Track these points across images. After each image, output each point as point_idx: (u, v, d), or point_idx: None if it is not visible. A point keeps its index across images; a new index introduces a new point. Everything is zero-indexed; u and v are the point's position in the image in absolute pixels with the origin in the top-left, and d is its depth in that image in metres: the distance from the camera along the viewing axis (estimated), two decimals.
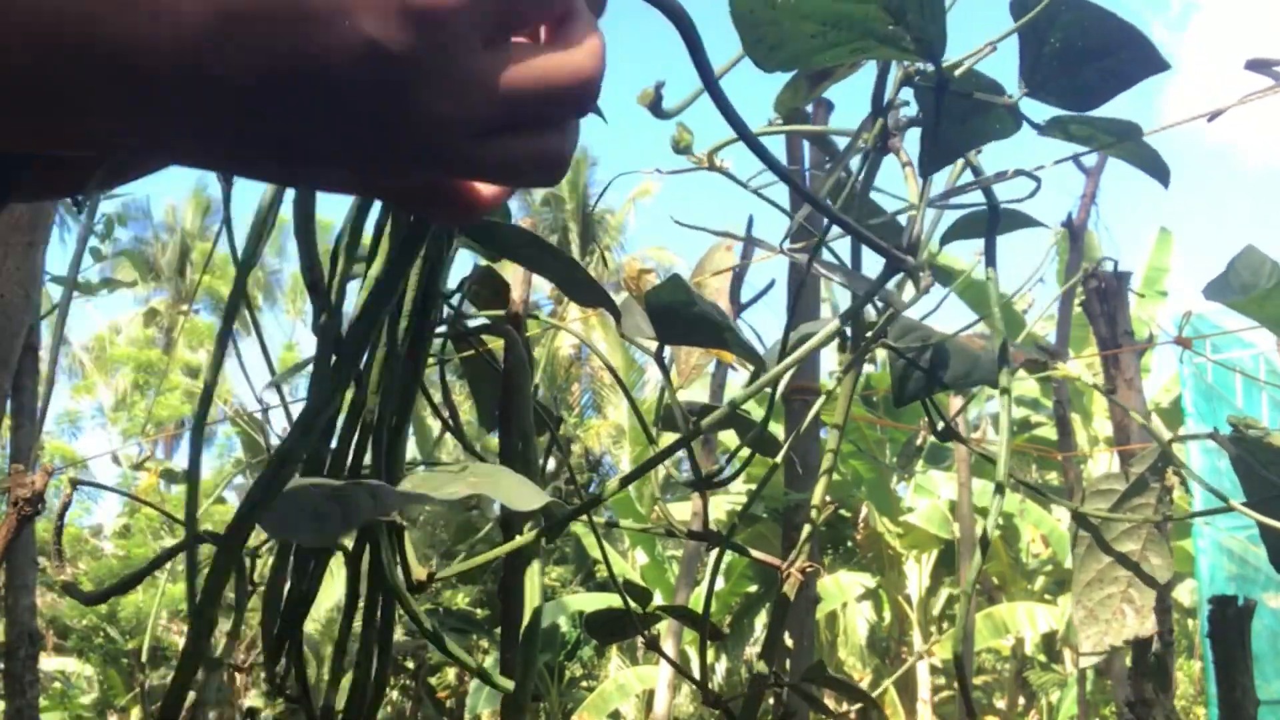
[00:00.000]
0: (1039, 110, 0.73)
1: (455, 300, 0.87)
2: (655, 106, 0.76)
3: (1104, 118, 0.71)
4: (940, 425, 0.92)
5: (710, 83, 0.45)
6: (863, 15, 0.60)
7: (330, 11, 0.35)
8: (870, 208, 0.86)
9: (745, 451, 0.97)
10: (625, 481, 0.72)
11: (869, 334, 0.84)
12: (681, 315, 0.78)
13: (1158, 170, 0.75)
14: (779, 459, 0.91)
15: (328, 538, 0.55)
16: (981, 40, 0.69)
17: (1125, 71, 0.66)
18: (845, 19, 0.60)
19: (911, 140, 0.80)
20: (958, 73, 0.67)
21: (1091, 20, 0.64)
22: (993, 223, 0.80)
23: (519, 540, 0.63)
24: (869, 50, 0.64)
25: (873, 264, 0.80)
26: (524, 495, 0.58)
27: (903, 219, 0.88)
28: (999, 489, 0.73)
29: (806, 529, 0.91)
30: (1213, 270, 1.04)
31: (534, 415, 0.87)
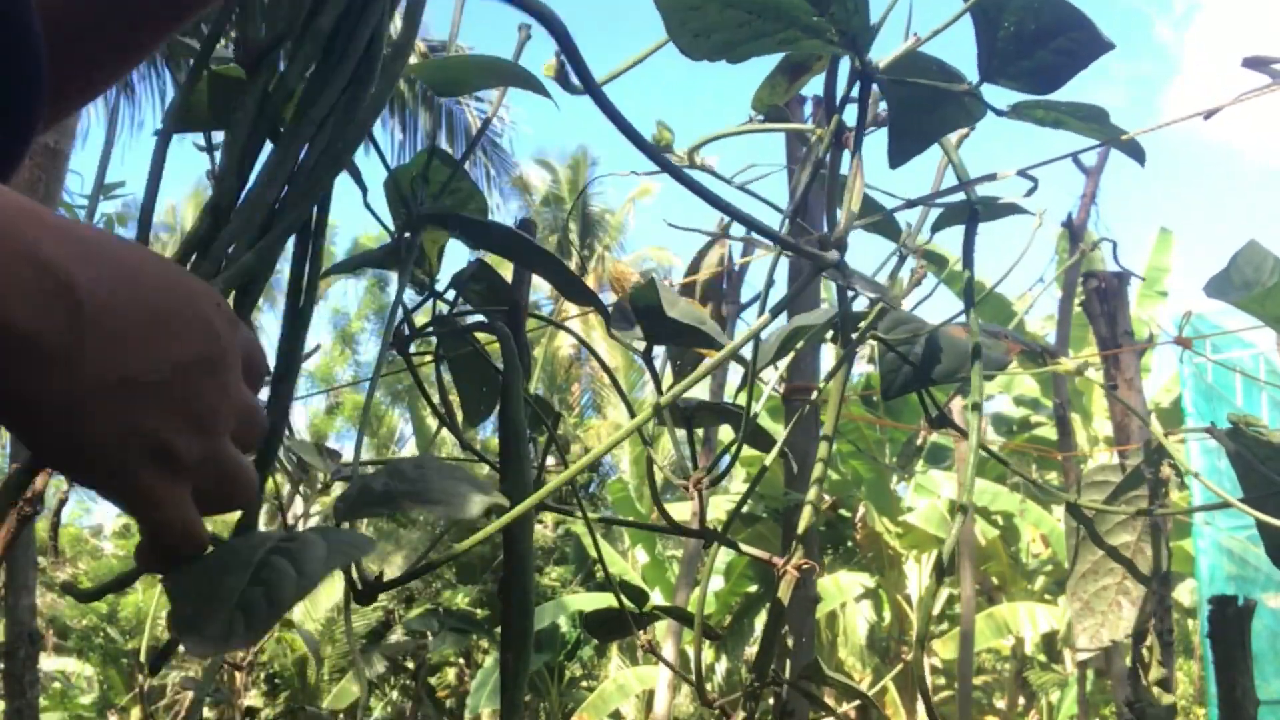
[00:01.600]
0: (1004, 99, 0.73)
1: (450, 295, 0.86)
2: (562, 79, 0.76)
3: (1071, 102, 0.72)
4: (935, 414, 0.92)
5: (587, 80, 0.45)
6: (788, 6, 0.61)
7: None
8: (866, 203, 0.86)
9: (745, 450, 0.97)
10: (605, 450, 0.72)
11: (860, 329, 0.85)
12: (665, 316, 0.79)
13: (1133, 151, 0.75)
14: (770, 459, 0.91)
15: (254, 635, 0.44)
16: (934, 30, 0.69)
17: (1077, 51, 0.67)
18: (771, 8, 0.60)
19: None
20: (883, 64, 0.68)
21: (1042, 3, 0.64)
22: (972, 220, 0.81)
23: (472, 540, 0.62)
24: (795, 41, 0.64)
25: (865, 261, 0.80)
26: (467, 502, 0.56)
27: (900, 216, 0.88)
28: (960, 509, 0.73)
29: (801, 527, 0.91)
30: (1214, 270, 1.04)
31: (532, 413, 0.87)
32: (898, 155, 0.73)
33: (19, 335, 0.40)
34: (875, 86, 0.75)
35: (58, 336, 0.41)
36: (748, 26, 0.62)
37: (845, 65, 0.76)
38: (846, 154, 0.88)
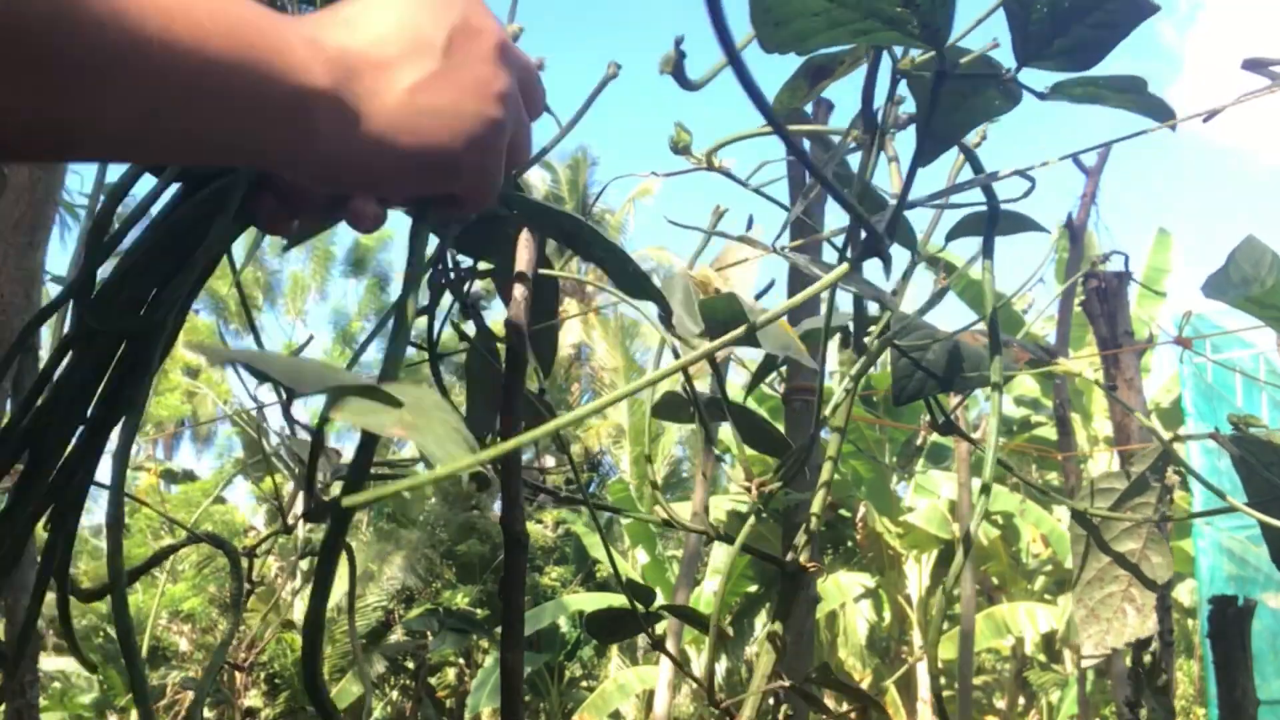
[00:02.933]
0: (1036, 84, 0.72)
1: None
2: (679, 74, 0.75)
3: (1106, 75, 0.70)
4: (941, 420, 0.92)
5: (732, 54, 0.44)
6: None
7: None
8: (875, 202, 0.86)
9: (746, 451, 0.97)
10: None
11: (871, 333, 0.84)
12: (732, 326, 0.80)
13: (1162, 114, 0.74)
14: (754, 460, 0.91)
15: None
16: (969, 21, 0.69)
17: (1116, 21, 0.66)
18: None
19: (907, 135, 0.80)
20: (964, 60, 0.67)
21: None
22: (991, 223, 0.80)
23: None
24: (872, 33, 0.63)
25: (872, 269, 0.80)
26: (451, 450, 0.52)
27: (909, 214, 0.88)
28: (985, 489, 0.73)
29: (807, 528, 0.91)
30: (1214, 270, 1.04)
31: (532, 411, 0.87)
32: (927, 154, 0.73)
33: (326, 95, 0.50)
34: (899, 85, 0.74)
35: (346, 86, 0.51)
36: (825, 15, 0.61)
37: (885, 64, 0.75)
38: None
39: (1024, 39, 0.67)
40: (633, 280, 0.75)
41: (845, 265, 0.63)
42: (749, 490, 0.86)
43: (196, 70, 0.45)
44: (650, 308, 0.82)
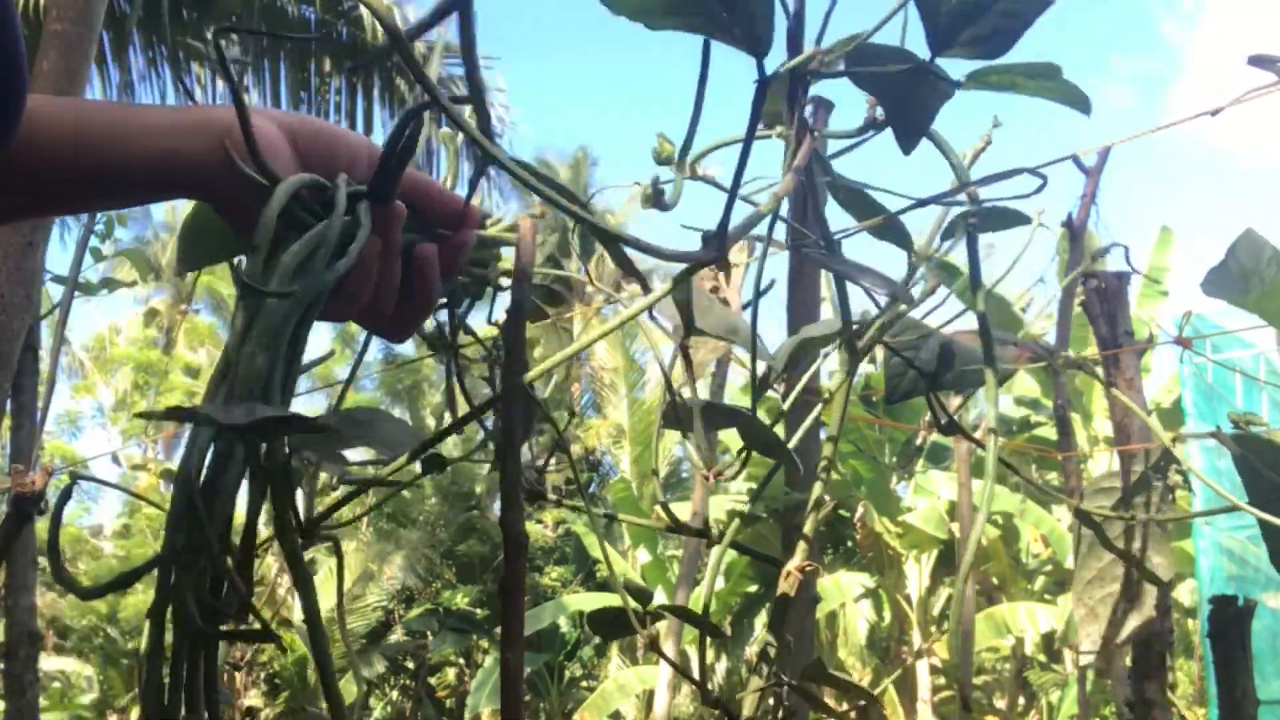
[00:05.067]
0: (959, 72, 0.74)
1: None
2: (658, 201, 0.79)
3: (1021, 63, 0.72)
4: (944, 420, 0.92)
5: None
6: None
7: None
8: (868, 205, 0.86)
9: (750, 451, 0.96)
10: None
11: (868, 335, 0.84)
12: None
13: (1079, 102, 0.76)
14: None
15: None
16: (883, 13, 0.71)
17: (1022, 10, 0.68)
18: None
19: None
20: (785, 67, 0.69)
21: None
22: (972, 241, 0.80)
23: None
24: (700, 29, 0.65)
25: (879, 262, 0.80)
26: (401, 439, 0.57)
27: (904, 217, 0.88)
28: (987, 501, 0.73)
29: (806, 529, 0.91)
30: (1213, 266, 1.04)
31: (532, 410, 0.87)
32: (903, 145, 0.74)
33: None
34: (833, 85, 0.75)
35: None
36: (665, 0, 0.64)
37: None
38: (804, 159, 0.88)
39: (934, 30, 0.69)
40: (627, 265, 0.77)
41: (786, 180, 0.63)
42: (706, 479, 0.86)
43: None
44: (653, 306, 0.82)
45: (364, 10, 8.23)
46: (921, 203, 0.80)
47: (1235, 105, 0.79)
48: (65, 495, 0.66)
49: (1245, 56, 0.74)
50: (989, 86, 0.74)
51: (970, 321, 0.91)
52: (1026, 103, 0.77)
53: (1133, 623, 0.90)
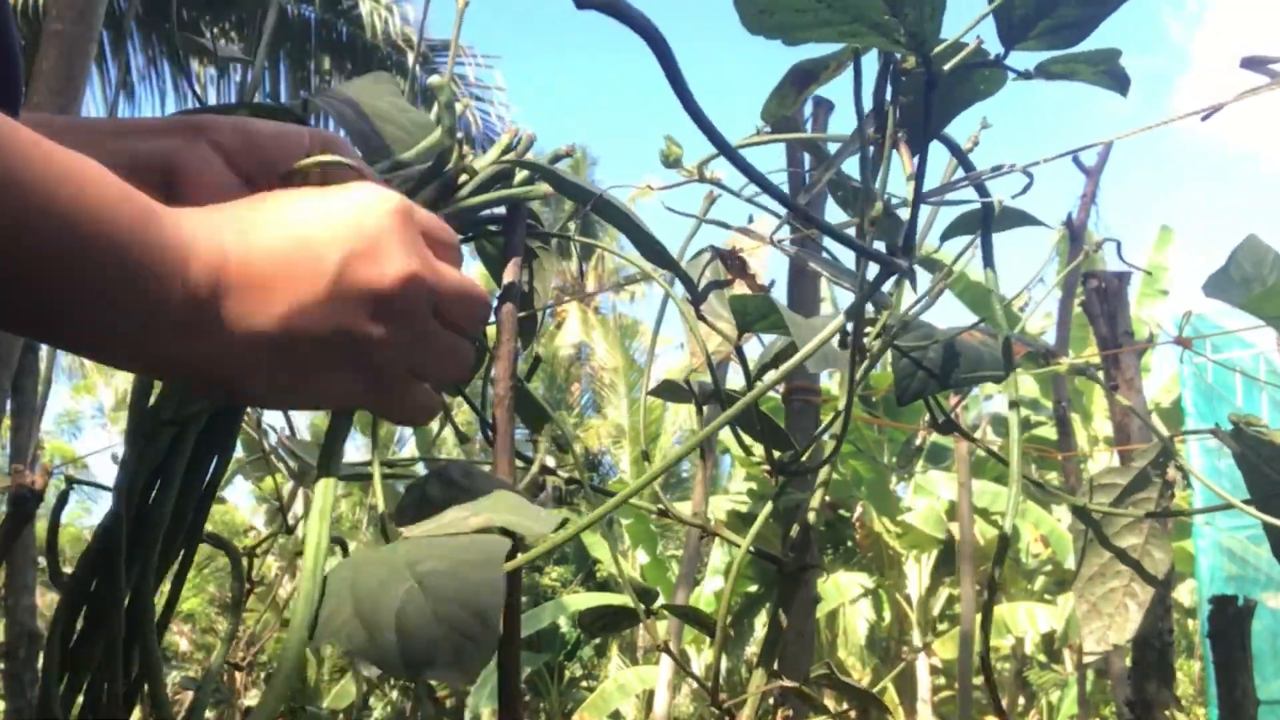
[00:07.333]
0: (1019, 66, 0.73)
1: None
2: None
3: (1083, 51, 0.71)
4: (942, 419, 0.92)
5: (685, 96, 0.46)
6: (860, 1, 0.60)
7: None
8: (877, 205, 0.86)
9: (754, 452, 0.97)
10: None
11: (870, 334, 0.84)
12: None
13: (1121, 85, 0.75)
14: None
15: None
16: (955, 12, 0.69)
17: None
18: (840, 1, 0.60)
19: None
20: (947, 67, 0.67)
21: None
22: (986, 220, 0.80)
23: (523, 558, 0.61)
24: (858, 36, 0.63)
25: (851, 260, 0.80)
26: (534, 520, 0.56)
27: (902, 214, 0.88)
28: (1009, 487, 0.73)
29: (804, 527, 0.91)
30: (1214, 270, 1.03)
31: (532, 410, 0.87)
32: (916, 148, 0.73)
33: (190, 304, 0.48)
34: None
35: (214, 302, 0.49)
36: (813, 13, 0.61)
37: (872, 64, 0.75)
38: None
39: (1009, 24, 0.67)
40: (653, 249, 0.77)
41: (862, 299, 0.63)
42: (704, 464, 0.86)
43: (67, 244, 0.43)
44: (654, 293, 0.82)
45: (364, 10, 8.24)
46: (922, 202, 0.80)
47: (1232, 106, 0.80)
48: (63, 499, 0.66)
49: (1240, 58, 0.74)
50: (1051, 76, 0.73)
51: (968, 318, 0.91)
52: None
53: (1135, 620, 0.90)
